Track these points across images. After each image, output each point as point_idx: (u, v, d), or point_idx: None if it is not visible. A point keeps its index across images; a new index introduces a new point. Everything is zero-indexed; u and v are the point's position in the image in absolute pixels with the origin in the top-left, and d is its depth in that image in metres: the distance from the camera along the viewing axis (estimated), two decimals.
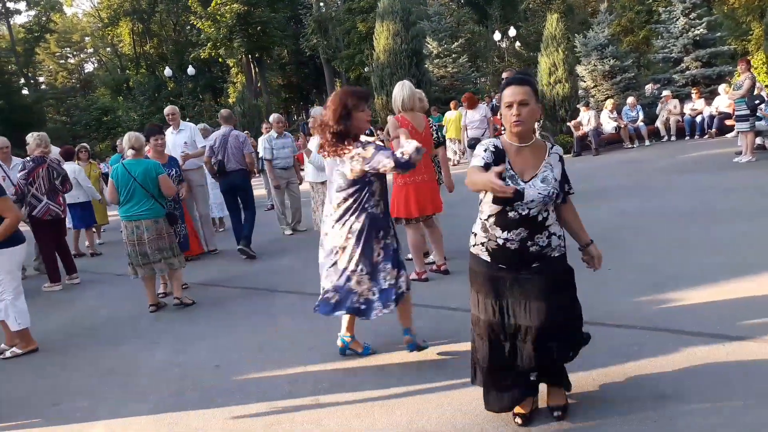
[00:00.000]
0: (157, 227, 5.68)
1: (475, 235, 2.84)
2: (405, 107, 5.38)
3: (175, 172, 7.08)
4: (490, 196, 2.68)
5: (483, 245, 2.80)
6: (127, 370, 4.36)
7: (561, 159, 2.79)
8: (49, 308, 6.38)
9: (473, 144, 11.43)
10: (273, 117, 9.21)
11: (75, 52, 60.05)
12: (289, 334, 4.65)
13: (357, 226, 3.66)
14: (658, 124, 15.44)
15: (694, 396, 2.94)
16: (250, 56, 38.44)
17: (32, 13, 49.52)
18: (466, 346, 3.16)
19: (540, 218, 2.69)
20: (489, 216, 2.74)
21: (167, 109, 8.48)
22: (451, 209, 6.55)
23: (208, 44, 36.35)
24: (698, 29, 17.27)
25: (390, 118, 5.31)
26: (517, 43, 36.16)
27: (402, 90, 5.36)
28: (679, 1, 17.84)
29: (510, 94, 2.66)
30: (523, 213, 2.66)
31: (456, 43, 23.78)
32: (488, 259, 2.79)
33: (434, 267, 5.72)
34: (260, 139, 10.51)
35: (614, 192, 8.90)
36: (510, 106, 2.65)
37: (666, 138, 15.28)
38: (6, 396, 4.03)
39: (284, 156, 8.76)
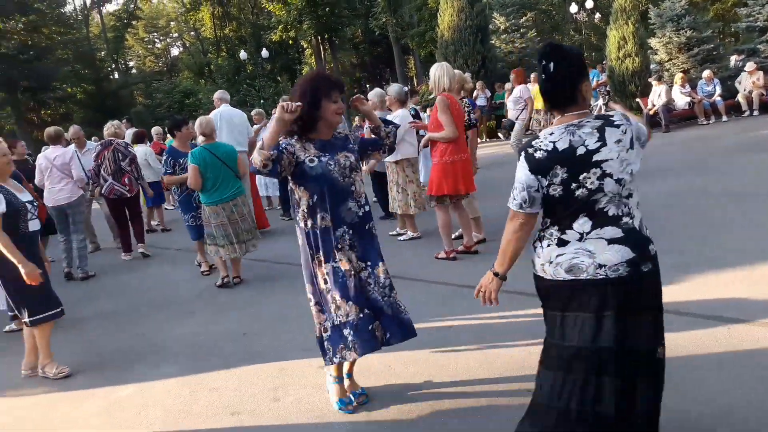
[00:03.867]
0: (245, 206, 5.93)
1: None
2: (451, 89, 5.48)
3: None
4: None
5: None
6: (164, 336, 4.77)
7: None
8: (107, 281, 6.97)
9: (507, 126, 10.91)
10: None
11: (161, 37, 62.83)
12: None
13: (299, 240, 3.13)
14: (740, 98, 14.57)
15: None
16: (319, 37, 38.93)
17: (121, 1, 52.14)
18: None
19: None
20: None
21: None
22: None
23: (279, 27, 37.11)
24: None
25: (439, 97, 5.44)
26: (597, 15, 34.83)
27: (444, 71, 5.46)
28: None
29: None
30: None
31: (525, 17, 23.20)
32: None
33: (462, 247, 5.82)
34: None
35: (670, 170, 8.59)
36: None
37: (748, 113, 14.41)
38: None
39: None
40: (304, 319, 4.48)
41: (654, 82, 14.80)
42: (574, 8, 30.48)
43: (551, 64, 2.17)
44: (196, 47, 53.45)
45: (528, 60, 22.11)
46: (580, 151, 2.11)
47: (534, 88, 15.41)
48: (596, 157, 2.10)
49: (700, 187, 7.28)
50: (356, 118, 18.33)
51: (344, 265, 2.96)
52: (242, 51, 37.24)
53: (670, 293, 4.07)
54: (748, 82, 14.43)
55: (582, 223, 2.15)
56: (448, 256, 5.63)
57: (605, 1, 35.69)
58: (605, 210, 2.13)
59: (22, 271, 3.84)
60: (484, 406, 3.04)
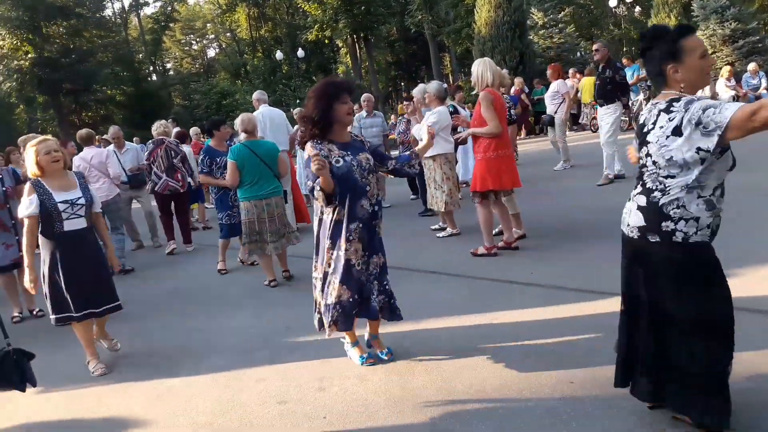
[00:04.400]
0: (279, 207, 5.91)
1: (697, 219, 2.35)
2: (494, 84, 5.47)
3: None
4: (724, 161, 2.35)
5: (709, 228, 2.39)
6: (212, 330, 4.87)
7: None
8: (154, 276, 7.15)
9: (547, 121, 10.78)
10: (363, 96, 9.51)
11: (198, 39, 63.86)
12: None
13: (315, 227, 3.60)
14: None
15: None
16: (354, 36, 39.05)
17: (158, 3, 53.17)
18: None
19: None
20: (716, 188, 2.37)
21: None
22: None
23: (315, 26, 37.35)
24: None
25: (482, 93, 5.43)
26: (637, 8, 34.18)
27: (488, 67, 5.46)
28: None
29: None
30: None
31: (563, 12, 22.92)
32: (711, 243, 2.44)
33: (502, 243, 5.79)
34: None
35: None
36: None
37: None
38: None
39: (372, 135, 8.89)
40: None
41: None
42: (613, 2, 29.92)
43: (644, 46, 2.49)
44: (232, 48, 54.18)
45: (566, 55, 21.89)
46: (645, 128, 2.48)
47: (584, 81, 15.19)
48: (648, 137, 2.45)
49: (747, 183, 7.09)
50: (392, 116, 18.37)
51: (349, 255, 3.42)
52: (278, 51, 37.58)
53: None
54: None
55: (636, 185, 2.56)
56: (489, 252, 5.62)
57: None
58: (645, 181, 2.48)
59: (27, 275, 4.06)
60: (526, 398, 3.04)
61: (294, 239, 6.04)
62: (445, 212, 6.73)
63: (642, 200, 2.45)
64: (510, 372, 3.35)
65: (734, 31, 15.90)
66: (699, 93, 2.44)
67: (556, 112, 10.38)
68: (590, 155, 11.04)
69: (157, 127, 8.19)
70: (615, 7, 30.55)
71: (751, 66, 14.48)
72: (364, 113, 9.23)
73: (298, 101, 32.11)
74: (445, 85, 7.54)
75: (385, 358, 3.71)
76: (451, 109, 7.68)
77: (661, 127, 2.35)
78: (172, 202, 8.24)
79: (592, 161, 10.21)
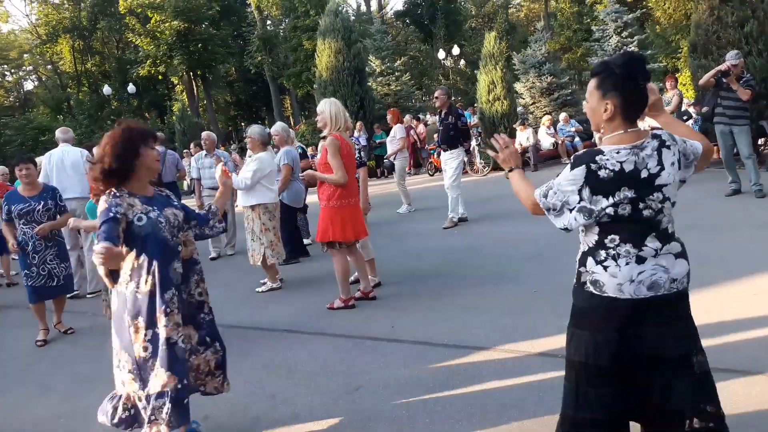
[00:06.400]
0: None
1: None
2: (347, 127, 5.26)
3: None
4: None
5: None
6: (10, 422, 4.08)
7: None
8: None
9: (388, 166, 10.98)
10: (203, 134, 8.98)
11: (12, 70, 57.98)
12: None
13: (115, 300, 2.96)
14: (595, 139, 15.81)
15: None
16: (192, 74, 37.83)
17: None
18: None
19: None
20: None
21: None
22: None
23: (148, 62, 35.60)
24: (630, 47, 17.87)
25: (329, 138, 5.07)
26: (462, 62, 36.81)
27: (339, 108, 5.19)
28: (611, 20, 18.47)
29: None
30: None
31: (399, 61, 23.97)
32: None
33: (359, 293, 5.57)
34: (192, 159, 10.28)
35: None
36: None
37: None
38: None
39: (211, 176, 8.33)
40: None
41: (519, 128, 15.74)
42: (442, 54, 31.98)
43: (640, 75, 2.13)
44: (54, 81, 49.88)
45: (403, 102, 22.80)
46: (644, 174, 2.10)
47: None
48: (657, 181, 2.11)
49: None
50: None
51: (168, 332, 2.83)
52: (106, 86, 35.17)
53: None
54: None
55: (653, 240, 2.14)
56: (346, 304, 5.33)
57: (469, 48, 37.96)
58: (667, 228, 2.17)
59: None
60: None
61: None
62: (264, 266, 6.28)
63: (676, 248, 2.17)
64: None
65: (550, 84, 17.57)
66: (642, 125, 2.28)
67: (395, 158, 10.64)
68: (430, 198, 11.41)
69: None
70: (443, 59, 32.65)
71: (562, 115, 16.03)
72: (203, 153, 8.68)
73: None
74: (269, 130, 7.26)
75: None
76: (299, 150, 7.45)
77: (672, 164, 2.14)
78: None
79: (434, 204, 10.53)
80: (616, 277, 2.13)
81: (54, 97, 46.14)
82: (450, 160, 8.69)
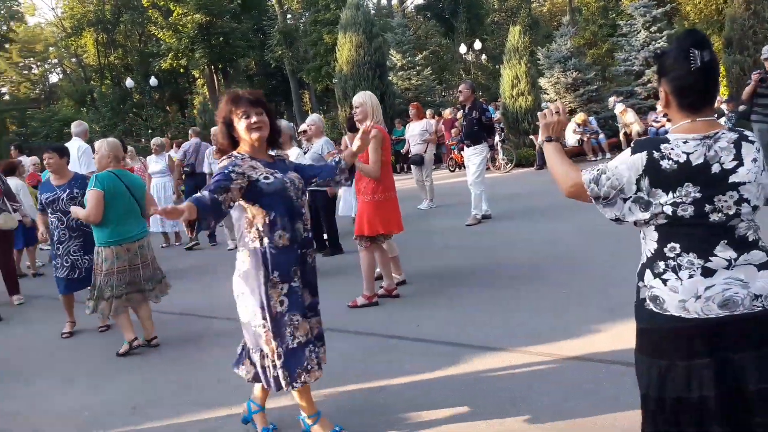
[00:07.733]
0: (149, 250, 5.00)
1: None
2: (380, 120, 5.17)
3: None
4: None
5: None
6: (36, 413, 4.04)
7: None
8: None
9: (416, 160, 10.67)
10: (213, 130, 8.91)
11: (39, 63, 58.69)
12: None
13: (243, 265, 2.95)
14: (621, 136, 15.50)
15: None
16: (213, 67, 37.97)
17: None
18: None
19: None
20: None
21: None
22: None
23: (169, 55, 35.78)
24: (659, 42, 17.48)
25: (376, 131, 4.78)
26: (483, 56, 36.45)
27: (375, 100, 5.16)
28: (639, 15, 18.09)
29: None
30: None
31: (420, 56, 23.79)
32: None
33: (382, 290, 5.45)
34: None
35: (570, 209, 8.79)
36: None
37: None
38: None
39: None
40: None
41: None
42: (463, 48, 31.68)
43: (705, 53, 1.82)
44: (78, 74, 50.42)
45: (423, 97, 22.64)
46: (715, 168, 1.80)
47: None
48: (732, 178, 1.80)
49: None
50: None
51: (301, 287, 2.94)
52: (128, 78, 35.44)
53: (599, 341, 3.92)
54: (621, 123, 15.39)
55: (724, 249, 1.81)
56: (369, 301, 5.23)
57: (491, 42, 37.60)
58: (746, 235, 1.84)
59: None
60: None
61: (167, 288, 5.14)
62: None
63: (760, 257, 1.83)
64: None
65: (575, 79, 17.28)
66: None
67: (425, 152, 10.45)
68: (451, 194, 11.27)
69: None
70: (465, 54, 32.31)
71: (579, 116, 15.47)
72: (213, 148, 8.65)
73: (150, 131, 30.35)
74: (312, 119, 7.36)
75: None
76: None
77: (755, 161, 1.83)
78: None
79: (455, 200, 10.39)
80: (677, 293, 1.83)
81: (78, 89, 46.63)
82: (473, 156, 8.52)
